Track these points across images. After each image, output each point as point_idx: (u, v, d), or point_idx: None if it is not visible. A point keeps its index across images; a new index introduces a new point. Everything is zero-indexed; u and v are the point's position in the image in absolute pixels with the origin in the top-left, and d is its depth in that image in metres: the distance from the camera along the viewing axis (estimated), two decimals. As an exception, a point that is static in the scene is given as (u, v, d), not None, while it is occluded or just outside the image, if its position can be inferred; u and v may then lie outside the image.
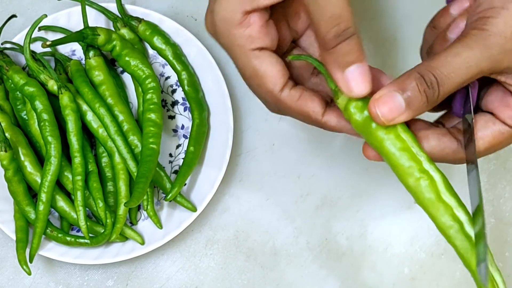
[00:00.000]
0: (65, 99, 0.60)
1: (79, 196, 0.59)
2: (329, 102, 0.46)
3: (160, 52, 0.63)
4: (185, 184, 0.63)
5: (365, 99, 0.43)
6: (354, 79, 0.42)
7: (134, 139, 0.61)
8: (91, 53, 0.62)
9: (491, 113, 0.46)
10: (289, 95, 0.45)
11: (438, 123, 0.48)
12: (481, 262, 0.40)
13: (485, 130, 0.45)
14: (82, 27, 0.62)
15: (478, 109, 0.47)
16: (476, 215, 0.42)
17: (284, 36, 0.47)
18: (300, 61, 0.48)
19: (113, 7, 0.64)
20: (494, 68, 0.42)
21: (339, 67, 0.42)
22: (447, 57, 0.41)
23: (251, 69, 0.44)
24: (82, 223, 0.59)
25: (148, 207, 0.61)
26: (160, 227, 0.62)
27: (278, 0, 0.43)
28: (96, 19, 0.65)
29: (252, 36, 0.44)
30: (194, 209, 0.61)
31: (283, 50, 0.48)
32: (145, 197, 0.61)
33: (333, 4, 0.40)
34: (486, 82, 0.46)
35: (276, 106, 0.46)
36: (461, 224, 0.43)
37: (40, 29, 0.64)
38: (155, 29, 0.63)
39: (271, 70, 0.44)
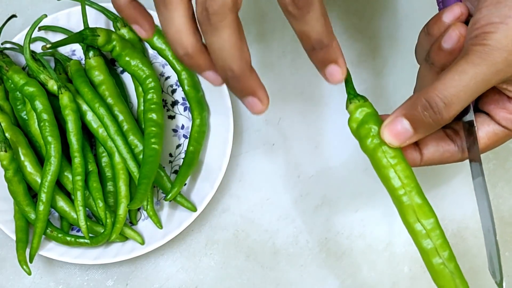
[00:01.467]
0: (65, 99, 0.60)
1: (79, 196, 0.59)
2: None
3: (160, 52, 0.63)
4: (185, 184, 0.64)
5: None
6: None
7: (134, 139, 0.61)
8: (91, 53, 0.62)
9: (487, 114, 0.47)
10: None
11: None
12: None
13: (480, 131, 0.47)
14: (82, 27, 0.62)
15: (475, 108, 0.48)
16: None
17: None
18: None
19: (113, 7, 0.64)
20: (501, 80, 0.43)
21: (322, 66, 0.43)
22: (454, 76, 0.42)
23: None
24: (82, 223, 0.59)
25: (148, 207, 0.61)
26: (160, 227, 0.62)
27: None
28: (96, 19, 0.65)
29: None
30: (194, 209, 0.61)
31: None
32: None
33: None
34: None
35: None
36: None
37: (40, 29, 0.64)
38: (155, 29, 0.63)
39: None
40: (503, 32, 0.41)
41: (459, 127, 0.48)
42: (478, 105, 0.48)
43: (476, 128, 0.47)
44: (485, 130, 0.47)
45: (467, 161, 0.48)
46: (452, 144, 0.48)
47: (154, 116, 0.61)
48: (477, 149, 0.47)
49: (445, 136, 0.48)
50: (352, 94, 0.47)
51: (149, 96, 0.62)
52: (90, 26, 0.63)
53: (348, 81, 0.47)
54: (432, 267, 0.46)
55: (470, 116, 0.47)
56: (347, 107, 0.47)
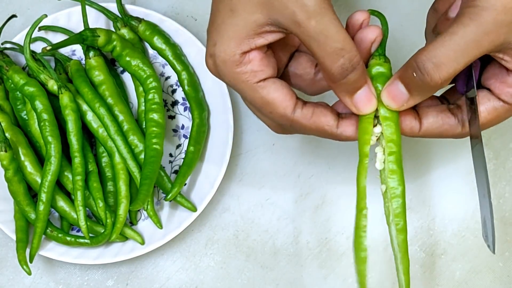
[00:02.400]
0: (65, 99, 0.60)
1: (79, 196, 0.59)
2: (340, 114, 0.48)
3: (160, 52, 0.63)
4: (185, 184, 0.63)
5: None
6: (361, 102, 0.46)
7: (134, 139, 0.61)
8: (91, 53, 0.62)
9: (488, 89, 0.48)
10: (302, 114, 0.47)
11: (443, 97, 0.50)
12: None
13: (481, 106, 0.47)
14: (82, 27, 0.62)
15: (479, 86, 0.49)
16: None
17: (280, 60, 0.50)
18: (299, 67, 0.51)
19: (113, 7, 0.64)
20: (492, 42, 0.43)
21: (347, 94, 0.46)
22: (444, 38, 0.42)
23: (260, 100, 0.47)
24: (82, 223, 0.59)
25: (148, 207, 0.61)
26: (160, 227, 0.62)
27: (273, 40, 0.45)
28: (96, 19, 0.65)
29: (254, 71, 0.46)
30: (194, 209, 0.61)
31: (280, 73, 0.50)
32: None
33: (333, 39, 0.43)
34: (486, 60, 0.47)
35: (291, 127, 0.48)
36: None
37: (40, 29, 0.64)
38: (155, 29, 0.63)
39: (278, 95, 0.46)
40: None
41: (463, 103, 0.49)
42: (481, 81, 0.48)
43: (477, 104, 0.47)
44: (485, 105, 0.47)
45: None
46: (453, 118, 0.48)
47: (155, 116, 0.61)
48: (477, 125, 0.47)
49: (446, 109, 0.48)
50: (378, 52, 0.48)
51: (150, 96, 0.62)
52: (91, 26, 0.63)
53: (382, 41, 0.48)
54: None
55: (472, 93, 0.48)
56: (369, 61, 0.48)
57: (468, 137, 0.48)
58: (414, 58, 0.44)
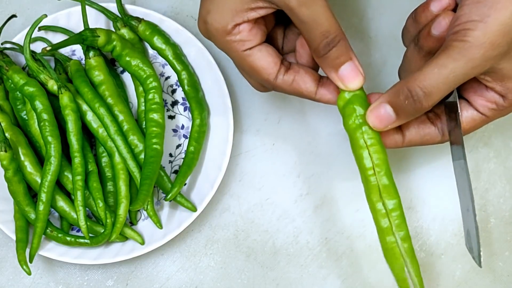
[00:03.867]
0: (65, 99, 0.60)
1: (79, 196, 0.59)
2: (321, 78, 0.53)
3: (160, 52, 0.63)
4: (185, 184, 0.63)
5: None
6: (347, 76, 0.50)
7: (134, 139, 0.61)
8: (91, 53, 0.62)
9: (466, 100, 0.51)
10: (283, 80, 0.52)
11: None
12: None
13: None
14: (82, 27, 0.62)
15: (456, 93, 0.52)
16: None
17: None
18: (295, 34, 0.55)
19: (113, 7, 0.64)
20: (478, 73, 0.46)
21: (333, 69, 0.49)
22: (433, 69, 0.46)
23: (247, 66, 0.52)
24: (82, 223, 0.59)
25: (148, 207, 0.61)
26: (160, 227, 0.62)
27: (264, 14, 0.50)
28: (96, 19, 0.65)
29: (243, 40, 0.51)
30: (194, 209, 0.61)
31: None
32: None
33: (320, 23, 0.47)
34: None
35: (274, 89, 0.53)
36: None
37: (40, 29, 0.64)
38: (155, 29, 0.63)
39: (263, 63, 0.51)
40: (481, 30, 0.44)
41: (441, 111, 0.52)
42: (459, 91, 0.51)
43: (460, 111, 0.50)
44: (464, 115, 0.51)
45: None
46: (433, 127, 0.52)
47: (155, 116, 0.61)
48: (459, 131, 0.50)
49: (426, 119, 0.52)
50: None
51: (150, 96, 0.62)
52: (91, 26, 0.63)
53: None
54: (385, 244, 0.50)
55: (453, 98, 0.50)
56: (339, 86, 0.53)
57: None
58: (406, 85, 0.47)
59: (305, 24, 0.48)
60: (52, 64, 0.65)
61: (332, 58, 0.49)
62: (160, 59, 0.66)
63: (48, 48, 0.59)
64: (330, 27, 0.48)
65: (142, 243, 0.62)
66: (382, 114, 0.48)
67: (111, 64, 0.66)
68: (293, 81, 0.52)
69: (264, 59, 0.51)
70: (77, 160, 0.59)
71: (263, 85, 0.54)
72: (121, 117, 0.62)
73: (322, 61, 0.49)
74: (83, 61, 0.65)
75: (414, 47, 0.51)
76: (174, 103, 0.66)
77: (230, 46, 0.51)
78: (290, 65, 0.53)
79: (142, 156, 0.61)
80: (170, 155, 0.65)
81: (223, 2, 0.50)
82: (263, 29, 0.52)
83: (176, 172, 0.65)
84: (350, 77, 0.49)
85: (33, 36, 0.63)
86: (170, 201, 0.62)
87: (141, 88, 0.64)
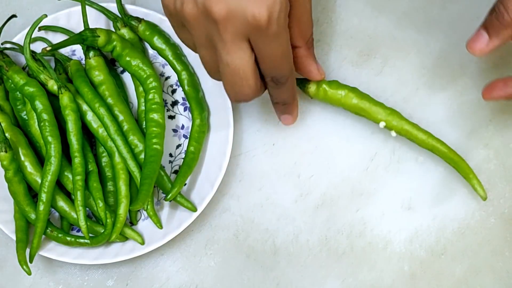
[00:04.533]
0: (65, 99, 0.60)
1: (79, 196, 0.59)
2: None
3: (160, 52, 0.63)
4: (185, 184, 0.63)
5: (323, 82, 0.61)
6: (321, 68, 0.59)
7: (134, 139, 0.61)
8: (91, 53, 0.62)
9: None
10: None
11: None
12: None
13: None
14: (82, 27, 0.62)
15: None
16: None
17: None
18: None
19: (113, 7, 0.64)
20: None
21: (314, 60, 0.59)
22: None
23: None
24: (82, 223, 0.59)
25: (148, 207, 0.61)
26: (160, 227, 0.62)
27: None
28: (96, 19, 0.65)
29: None
30: (194, 209, 0.61)
31: None
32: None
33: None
34: None
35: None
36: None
37: (40, 29, 0.64)
38: (155, 29, 0.63)
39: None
40: None
41: None
42: None
43: None
44: None
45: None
46: None
47: (155, 116, 0.61)
48: None
49: None
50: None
51: (150, 96, 0.62)
52: (91, 26, 0.63)
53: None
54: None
55: None
56: (307, 91, 0.62)
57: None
58: (491, 8, 0.51)
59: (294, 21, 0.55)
60: (52, 64, 0.65)
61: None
62: (160, 59, 0.66)
63: (48, 48, 0.59)
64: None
65: (142, 243, 0.62)
66: (477, 37, 0.52)
67: (111, 64, 0.66)
68: None
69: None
70: (77, 160, 0.59)
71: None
72: (121, 117, 0.62)
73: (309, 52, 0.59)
74: (83, 61, 0.65)
75: None
76: (174, 103, 0.66)
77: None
78: None
79: (142, 156, 0.61)
80: (170, 155, 0.65)
81: None
82: None
83: (176, 172, 0.65)
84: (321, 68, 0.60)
85: (33, 36, 0.63)
86: (170, 201, 0.62)
87: (141, 88, 0.64)
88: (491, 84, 0.56)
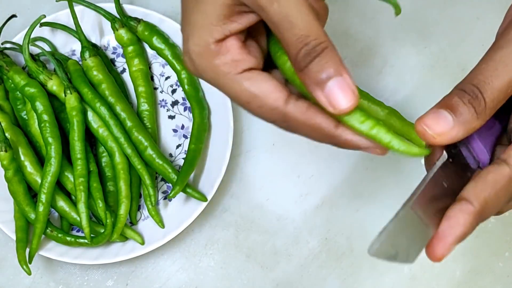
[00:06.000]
0: (72, 100, 0.60)
1: (82, 197, 0.59)
2: None
3: (159, 52, 0.63)
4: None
5: None
6: (333, 94, 0.38)
7: (138, 135, 0.61)
8: (86, 54, 0.62)
9: None
10: (295, 106, 0.40)
11: None
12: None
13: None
14: (82, 27, 0.62)
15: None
16: None
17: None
18: None
19: (112, 7, 0.64)
20: None
21: (317, 86, 0.38)
22: (481, 63, 0.40)
23: (246, 93, 0.41)
24: (85, 225, 0.59)
25: (150, 206, 0.61)
26: (162, 226, 0.62)
27: (247, 24, 0.41)
28: (96, 19, 0.65)
29: (235, 60, 0.41)
30: (204, 198, 0.61)
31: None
32: (147, 196, 0.61)
33: (298, 26, 0.38)
34: None
35: (285, 123, 0.42)
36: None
37: (41, 25, 0.64)
38: (154, 29, 0.63)
39: (267, 86, 0.40)
40: None
41: None
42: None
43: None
44: None
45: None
46: None
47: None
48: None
49: None
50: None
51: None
52: (90, 26, 0.63)
53: None
54: None
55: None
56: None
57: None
58: (457, 86, 0.41)
59: (278, 26, 0.38)
60: (52, 65, 0.65)
61: (314, 72, 0.38)
62: (160, 59, 0.66)
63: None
64: (310, 29, 0.38)
65: (142, 243, 0.62)
66: (437, 117, 0.40)
67: (111, 63, 0.66)
68: (309, 107, 0.40)
69: (269, 82, 0.40)
70: (80, 161, 0.59)
71: (272, 120, 0.42)
72: (123, 115, 0.62)
73: (303, 76, 0.39)
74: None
75: None
76: (174, 103, 0.66)
77: (220, 71, 0.41)
78: (301, 96, 0.42)
79: (147, 152, 0.61)
80: (170, 155, 0.65)
81: (198, 20, 0.41)
82: (258, 51, 0.43)
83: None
84: (338, 94, 0.38)
85: (33, 35, 0.63)
86: (170, 200, 0.62)
87: (140, 88, 0.64)
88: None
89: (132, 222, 0.63)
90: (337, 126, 0.41)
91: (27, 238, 0.61)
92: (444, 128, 0.39)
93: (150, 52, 0.66)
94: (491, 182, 0.38)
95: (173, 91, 0.66)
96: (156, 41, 0.63)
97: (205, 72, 0.42)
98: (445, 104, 0.40)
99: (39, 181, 0.60)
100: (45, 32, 0.65)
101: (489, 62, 0.39)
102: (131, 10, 0.64)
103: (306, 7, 0.38)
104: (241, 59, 0.40)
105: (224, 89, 0.42)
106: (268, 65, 0.44)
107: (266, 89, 0.40)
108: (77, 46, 0.65)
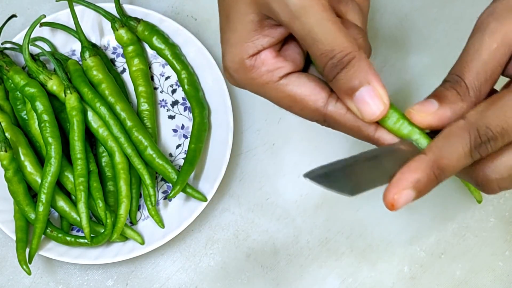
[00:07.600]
0: (72, 100, 0.60)
1: (82, 197, 0.59)
2: None
3: (159, 52, 0.63)
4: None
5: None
6: (362, 102, 0.40)
7: (138, 135, 0.61)
8: (86, 54, 0.62)
9: None
10: (335, 108, 0.42)
11: None
12: None
13: None
14: (82, 27, 0.62)
15: None
16: None
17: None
18: None
19: (112, 7, 0.64)
20: None
21: (347, 95, 0.40)
22: (459, 57, 0.42)
23: (287, 99, 0.43)
24: (85, 225, 0.59)
25: (150, 206, 0.61)
26: (162, 226, 0.62)
27: (280, 37, 0.43)
28: (96, 19, 0.65)
29: (270, 70, 0.43)
30: (204, 198, 0.61)
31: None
32: (147, 196, 0.61)
33: (321, 41, 0.39)
34: None
35: (325, 123, 0.44)
36: None
37: (42, 25, 0.64)
38: (154, 29, 0.63)
39: (305, 89, 0.42)
40: None
41: None
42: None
43: None
44: None
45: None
46: None
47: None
48: None
49: None
50: None
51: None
52: (90, 26, 0.63)
53: None
54: None
55: None
56: None
57: None
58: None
59: (302, 41, 0.40)
60: (52, 65, 0.65)
61: (342, 83, 0.40)
62: (160, 59, 0.66)
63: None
64: (333, 43, 0.39)
65: (142, 243, 0.62)
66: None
67: (111, 63, 0.66)
68: (348, 110, 0.42)
69: (307, 85, 0.42)
70: (80, 161, 0.59)
71: (314, 120, 0.44)
72: (123, 115, 0.62)
73: (332, 86, 0.41)
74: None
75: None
76: (174, 103, 0.66)
77: (259, 82, 0.43)
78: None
79: (147, 152, 0.61)
80: (170, 155, 0.65)
81: (230, 39, 0.43)
82: (297, 52, 0.44)
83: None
84: (367, 102, 0.40)
85: (33, 36, 0.63)
86: (170, 200, 0.62)
87: (140, 88, 0.64)
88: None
89: (132, 222, 0.63)
90: (377, 129, 0.42)
91: (27, 238, 0.61)
92: (430, 109, 0.41)
93: (150, 52, 0.66)
94: (445, 133, 0.39)
95: (173, 91, 0.66)
96: (156, 41, 0.63)
97: (245, 85, 0.44)
98: (431, 94, 0.42)
99: (39, 181, 0.60)
100: (45, 32, 0.65)
101: (463, 52, 0.41)
102: (131, 10, 0.64)
103: (329, 20, 0.39)
104: (276, 68, 0.43)
105: (266, 97, 0.44)
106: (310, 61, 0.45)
107: (305, 92, 0.42)
108: (77, 46, 0.65)
